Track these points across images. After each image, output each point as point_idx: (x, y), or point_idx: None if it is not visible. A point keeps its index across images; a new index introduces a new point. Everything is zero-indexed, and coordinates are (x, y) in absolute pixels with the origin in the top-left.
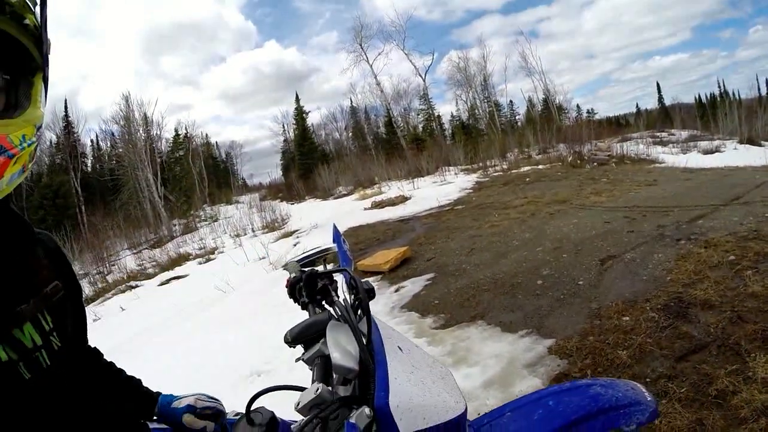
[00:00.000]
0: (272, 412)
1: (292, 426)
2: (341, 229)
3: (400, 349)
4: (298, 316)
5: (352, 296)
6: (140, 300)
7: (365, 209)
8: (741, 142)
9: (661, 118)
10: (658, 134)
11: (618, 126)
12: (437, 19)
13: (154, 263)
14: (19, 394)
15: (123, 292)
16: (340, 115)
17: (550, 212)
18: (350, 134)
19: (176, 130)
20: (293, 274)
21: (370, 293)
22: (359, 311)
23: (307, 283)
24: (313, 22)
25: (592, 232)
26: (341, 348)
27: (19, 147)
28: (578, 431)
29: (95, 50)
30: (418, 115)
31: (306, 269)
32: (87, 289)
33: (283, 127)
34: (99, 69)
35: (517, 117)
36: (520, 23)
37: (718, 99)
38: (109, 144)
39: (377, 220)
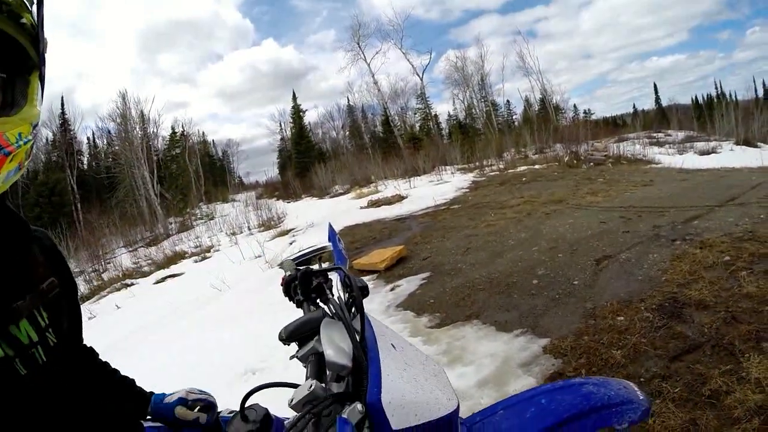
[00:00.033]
0: (266, 409)
1: (285, 422)
2: (337, 227)
3: (393, 346)
4: (294, 314)
5: (347, 294)
6: (135, 298)
7: (361, 208)
8: (737, 143)
9: (658, 119)
10: (654, 135)
11: (615, 126)
12: (435, 19)
13: (149, 261)
14: (15, 389)
15: (118, 290)
16: (337, 114)
17: (546, 212)
18: (347, 133)
19: (173, 128)
20: (288, 273)
21: (364, 291)
22: (353, 309)
23: (302, 281)
24: (310, 21)
25: (588, 232)
26: (335, 345)
27: (15, 145)
28: (570, 429)
29: (92, 48)
30: (415, 114)
31: (301, 267)
32: (82, 287)
33: (280, 125)
34: (96, 66)
35: (514, 117)
36: (518, 23)
37: (715, 100)
38: (105, 142)
39: (373, 218)
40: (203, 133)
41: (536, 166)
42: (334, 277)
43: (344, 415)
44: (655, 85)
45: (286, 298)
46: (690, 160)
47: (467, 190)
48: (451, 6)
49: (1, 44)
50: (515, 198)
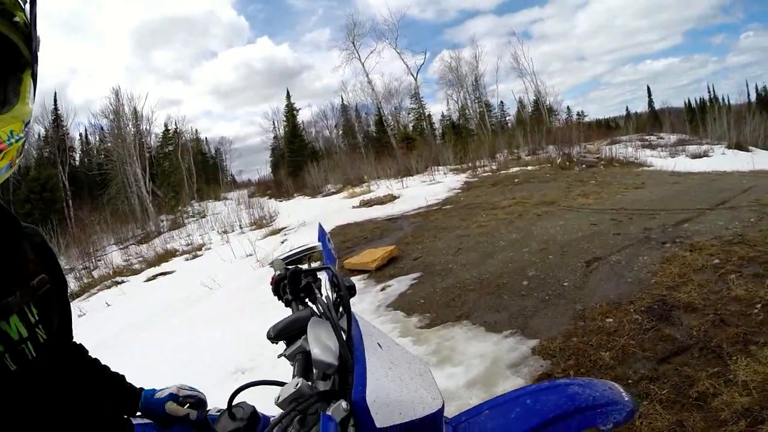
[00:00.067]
0: (253, 406)
1: (271, 419)
2: (329, 227)
3: (379, 345)
4: (284, 313)
5: (335, 294)
6: (126, 296)
7: (354, 207)
8: (729, 147)
9: (651, 122)
10: (647, 137)
11: (608, 129)
12: (430, 19)
13: (140, 259)
14: (4, 384)
15: (109, 287)
16: (330, 113)
17: (537, 213)
18: (340, 132)
19: (166, 125)
20: (278, 272)
21: (351, 290)
22: (341, 308)
23: (291, 281)
24: (305, 19)
25: (579, 233)
26: (321, 344)
27: (6, 143)
28: (555, 429)
29: (86, 43)
30: (409, 114)
31: (291, 267)
32: (72, 285)
33: (274, 123)
34: (89, 62)
35: (507, 118)
36: (514, 24)
37: (708, 104)
38: (97, 138)
39: (365, 218)
40: (196, 130)
41: (529, 168)
42: (323, 276)
43: (328, 412)
44: (648, 88)
45: (276, 297)
46: (682, 163)
47: (459, 190)
48: (447, 6)
49: None
50: (507, 199)
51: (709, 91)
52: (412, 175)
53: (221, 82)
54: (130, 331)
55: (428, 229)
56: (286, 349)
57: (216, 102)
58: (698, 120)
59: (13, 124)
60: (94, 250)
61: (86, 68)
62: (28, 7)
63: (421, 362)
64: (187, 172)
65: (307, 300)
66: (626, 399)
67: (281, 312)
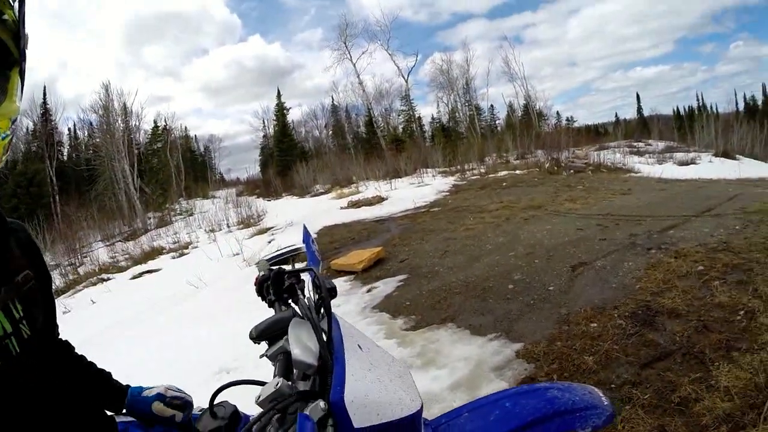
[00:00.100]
0: (235, 406)
1: (251, 418)
2: (317, 227)
3: (359, 347)
4: (269, 313)
5: (317, 295)
6: (111, 293)
7: (342, 208)
8: (716, 155)
9: (639, 129)
10: (635, 144)
11: (596, 134)
12: (423, 21)
13: (126, 256)
14: None
15: (94, 284)
16: (321, 113)
17: (524, 217)
18: (330, 132)
19: (155, 122)
20: (262, 272)
21: (332, 292)
22: (322, 310)
23: (275, 282)
24: (298, 18)
25: (565, 238)
26: (302, 344)
27: None
28: None
29: (76, 35)
30: (399, 115)
31: (275, 268)
32: (58, 281)
33: (264, 122)
34: (79, 56)
35: (497, 122)
36: (506, 28)
37: (696, 112)
38: (86, 133)
39: (353, 219)
40: (186, 127)
41: (517, 172)
42: (306, 278)
43: (306, 412)
44: (637, 95)
45: (259, 298)
46: (669, 170)
47: (447, 193)
48: (440, 9)
49: None
50: (495, 203)
51: (697, 100)
52: (400, 177)
53: (212, 80)
54: (116, 328)
55: (415, 231)
56: (267, 350)
57: (206, 99)
58: (686, 128)
59: (0, 122)
60: (80, 246)
61: (76, 62)
62: (16, 5)
63: (400, 364)
64: (175, 169)
65: (290, 301)
66: (605, 403)
67: (267, 312)
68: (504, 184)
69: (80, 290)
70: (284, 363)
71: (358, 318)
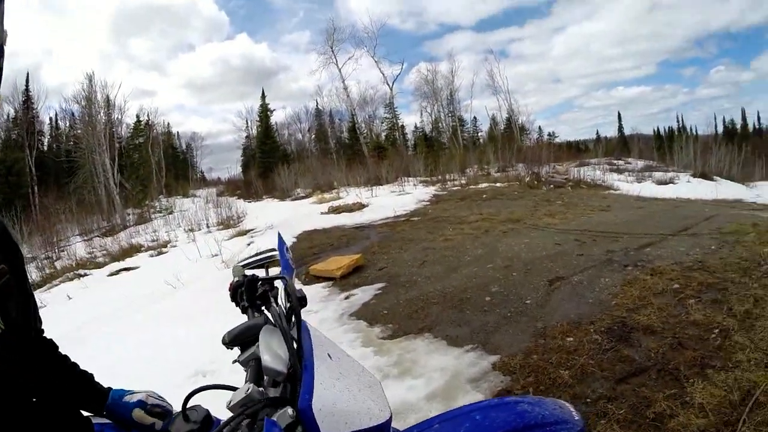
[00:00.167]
0: (207, 410)
1: (221, 423)
2: (297, 231)
3: (329, 356)
4: (244, 318)
5: (288, 303)
6: (88, 289)
7: (322, 213)
8: (694, 175)
9: (620, 147)
10: (615, 162)
11: (577, 150)
12: (410, 30)
13: (104, 252)
14: None
15: (71, 279)
16: (304, 116)
17: (503, 230)
18: (313, 136)
19: (138, 116)
20: (236, 278)
21: (303, 302)
22: (293, 318)
23: (248, 288)
24: (286, 20)
25: (543, 252)
26: (272, 351)
27: None
28: None
29: (61, 20)
30: (382, 123)
31: (250, 274)
32: (34, 274)
33: (247, 123)
34: (64, 44)
35: (479, 134)
36: (492, 42)
37: (676, 133)
38: (68, 124)
39: (333, 225)
40: (168, 124)
41: (497, 184)
42: (279, 285)
43: (274, 418)
44: (619, 114)
45: (233, 303)
46: (648, 189)
47: (428, 203)
48: (427, 19)
49: None
50: (474, 214)
51: (678, 121)
52: (382, 185)
53: (197, 76)
54: (93, 324)
55: (395, 239)
56: (240, 355)
57: (190, 96)
58: (666, 148)
59: None
60: (57, 239)
61: (61, 50)
62: None
63: (371, 374)
64: (156, 165)
65: (262, 308)
66: (576, 418)
67: (243, 316)
68: (484, 196)
69: (56, 285)
70: (255, 369)
71: (336, 325)
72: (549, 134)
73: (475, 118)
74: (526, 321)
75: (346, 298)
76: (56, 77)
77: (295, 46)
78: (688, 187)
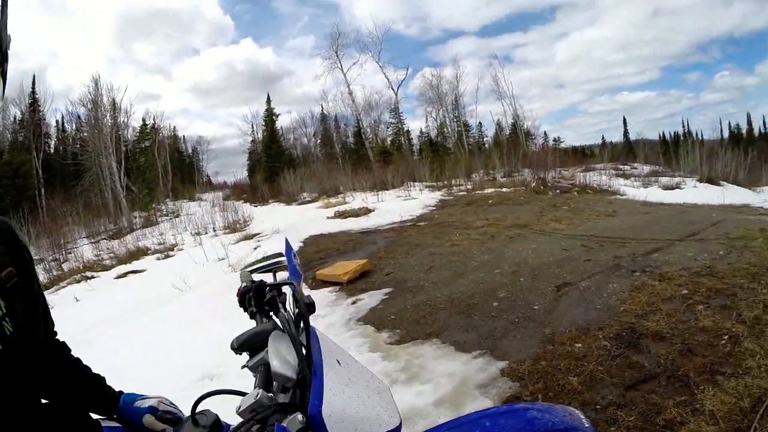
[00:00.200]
0: (216, 414)
1: (231, 428)
2: (303, 236)
3: (338, 362)
4: (252, 324)
5: (297, 309)
6: (95, 291)
7: (328, 218)
8: (701, 180)
9: (625, 152)
10: (621, 167)
11: (583, 156)
12: (414, 35)
13: (111, 255)
14: None
15: (78, 282)
16: (310, 121)
17: (510, 235)
18: (319, 141)
19: (144, 120)
20: (244, 283)
21: (311, 307)
22: (302, 324)
23: (256, 294)
24: (291, 25)
25: (550, 258)
26: (281, 357)
27: None
28: None
29: (67, 21)
30: (388, 128)
31: (257, 279)
32: (42, 276)
33: (252, 127)
34: (69, 47)
35: (485, 139)
36: (496, 47)
37: (682, 138)
38: (74, 127)
39: (339, 229)
40: (174, 127)
41: (503, 190)
42: (287, 290)
43: (284, 424)
44: (624, 119)
45: (241, 308)
46: (654, 194)
47: (434, 208)
48: (431, 24)
49: None
50: (480, 219)
51: (683, 126)
52: (387, 189)
53: (202, 81)
54: (100, 326)
55: (401, 244)
56: (248, 360)
57: (195, 100)
58: (672, 153)
59: None
60: (64, 242)
61: (66, 53)
62: None
63: (380, 381)
64: (162, 169)
65: (271, 313)
66: (586, 425)
67: (250, 321)
68: (490, 201)
69: (64, 287)
70: (264, 374)
71: (343, 330)
72: (554, 139)
73: (480, 123)
74: (534, 327)
75: (353, 303)
76: (62, 80)
77: (299, 51)
78: (694, 192)
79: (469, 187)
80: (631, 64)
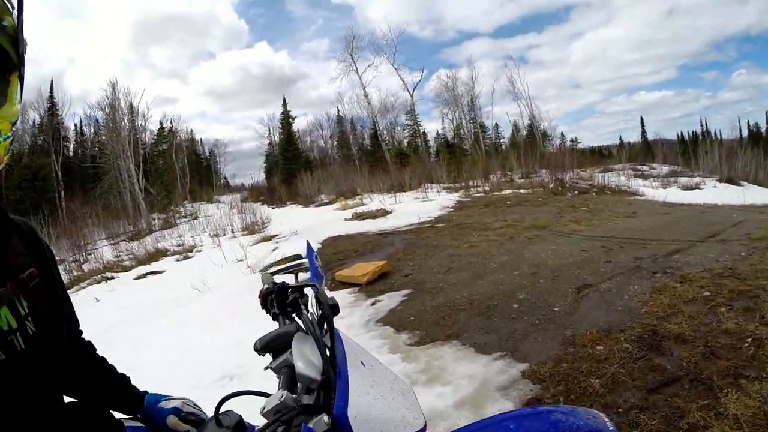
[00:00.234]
0: (240, 415)
1: (256, 429)
2: (321, 238)
3: (362, 363)
4: (274, 325)
5: (320, 311)
6: (115, 292)
7: (346, 220)
8: (721, 180)
9: (644, 152)
10: (639, 167)
11: (601, 156)
12: (429, 37)
13: (131, 256)
14: None
15: (98, 282)
16: (326, 123)
17: (528, 237)
18: (335, 143)
19: (161, 123)
20: (266, 286)
21: (335, 309)
22: (325, 325)
23: (278, 295)
24: (305, 28)
25: (570, 259)
26: (305, 359)
27: None
28: None
29: (84, 26)
30: (404, 130)
31: (279, 281)
32: (62, 277)
33: (269, 130)
34: (87, 53)
35: (501, 140)
36: (510, 48)
37: (700, 137)
38: (92, 130)
39: (357, 231)
40: (191, 130)
41: (521, 191)
42: (309, 292)
43: (310, 425)
44: (642, 119)
45: (263, 310)
46: (673, 194)
47: (452, 209)
48: (445, 26)
49: None
50: (499, 221)
51: (701, 125)
52: (405, 191)
53: (218, 84)
54: (120, 327)
55: (420, 246)
56: (272, 362)
57: (211, 104)
58: (690, 153)
59: (1, 124)
60: (84, 243)
61: (84, 58)
62: (15, 11)
63: (404, 382)
64: (180, 171)
65: (293, 315)
66: (611, 428)
67: (271, 322)
68: (508, 202)
69: (84, 287)
70: (288, 376)
71: (362, 331)
72: (571, 140)
73: (496, 124)
74: (555, 328)
75: (373, 304)
76: (79, 85)
77: (314, 54)
78: (714, 193)
79: (486, 188)
80: (647, 63)
